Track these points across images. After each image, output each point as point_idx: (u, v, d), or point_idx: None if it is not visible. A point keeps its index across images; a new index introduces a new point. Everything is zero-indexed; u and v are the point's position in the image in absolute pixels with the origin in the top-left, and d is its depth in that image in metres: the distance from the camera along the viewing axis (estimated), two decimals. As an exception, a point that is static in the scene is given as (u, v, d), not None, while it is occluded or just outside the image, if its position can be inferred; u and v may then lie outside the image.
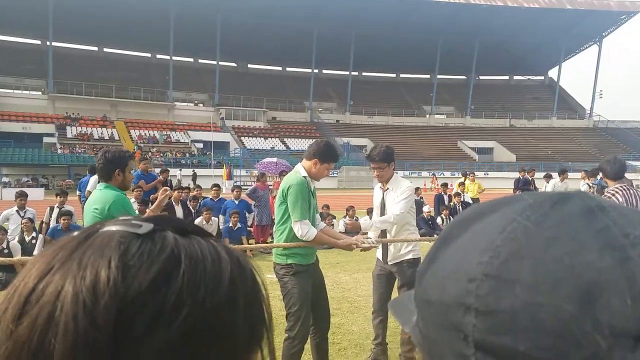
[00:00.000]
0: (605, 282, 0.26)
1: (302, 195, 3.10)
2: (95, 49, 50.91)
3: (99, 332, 0.29)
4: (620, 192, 3.84)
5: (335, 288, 6.09)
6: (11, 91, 41.52)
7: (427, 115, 54.83)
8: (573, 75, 77.62)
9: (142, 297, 0.31)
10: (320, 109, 54.29)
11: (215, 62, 49.13)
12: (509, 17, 47.46)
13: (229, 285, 0.35)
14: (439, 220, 11.19)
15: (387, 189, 3.72)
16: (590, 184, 10.63)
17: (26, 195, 7.92)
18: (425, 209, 11.39)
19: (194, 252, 0.36)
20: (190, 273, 0.34)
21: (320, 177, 3.27)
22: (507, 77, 61.87)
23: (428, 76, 57.96)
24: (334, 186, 36.01)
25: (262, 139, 44.08)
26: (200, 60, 54.30)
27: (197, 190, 10.01)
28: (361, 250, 3.59)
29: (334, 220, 10.20)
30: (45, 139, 35.48)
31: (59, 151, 33.77)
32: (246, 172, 32.64)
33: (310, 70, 52.34)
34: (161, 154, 37.03)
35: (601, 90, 55.33)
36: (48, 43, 42.88)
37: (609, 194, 3.88)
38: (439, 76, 54.86)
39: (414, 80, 60.48)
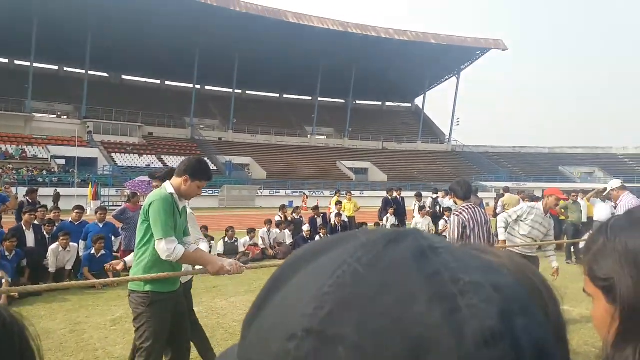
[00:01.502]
0: (433, 340, 0.24)
1: (165, 211, 2.86)
2: None
3: None
4: (467, 210, 4.35)
5: (210, 315, 5.85)
6: None
7: (309, 136, 56.55)
8: (436, 103, 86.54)
9: None
10: (202, 126, 52.76)
11: (83, 72, 45.01)
12: (382, 48, 51.50)
13: None
14: (317, 238, 11.48)
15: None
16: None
17: None
18: (305, 228, 11.63)
19: None
20: None
21: (191, 195, 3.08)
22: (380, 103, 66.73)
23: (310, 98, 59.99)
24: (214, 206, 35.02)
25: (137, 155, 41.32)
26: (66, 69, 49.37)
27: (54, 213, 8.92)
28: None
29: (212, 242, 9.85)
30: None
31: None
32: (116, 192, 30.13)
33: (191, 86, 50.78)
34: (15, 171, 32.54)
35: (458, 118, 62.50)
36: None
37: (457, 212, 4.36)
38: (320, 99, 57.10)
39: (297, 101, 62.15)
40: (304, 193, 27.04)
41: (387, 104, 67.06)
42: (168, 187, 3.03)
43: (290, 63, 51.60)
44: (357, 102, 62.47)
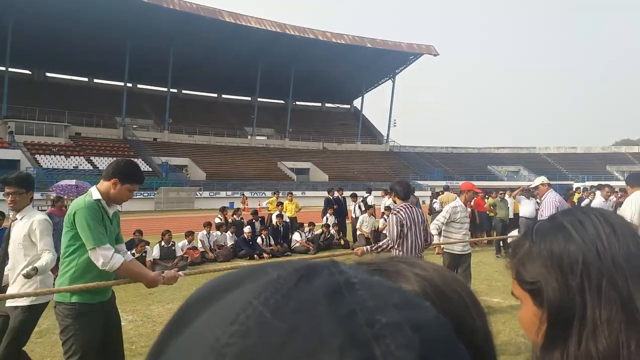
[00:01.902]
0: None
1: (92, 219, 2.69)
2: None
3: None
4: (404, 210, 4.48)
5: (146, 323, 5.60)
6: None
7: (249, 136, 55.89)
8: (373, 105, 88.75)
9: None
10: (135, 126, 50.45)
11: (3, 68, 41.54)
12: (319, 50, 51.98)
13: None
14: (259, 240, 11.36)
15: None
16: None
17: None
18: (246, 229, 11.46)
19: None
20: None
21: (121, 200, 2.89)
22: (319, 104, 67.31)
23: (249, 98, 59.31)
24: (150, 209, 33.65)
25: (63, 157, 38.78)
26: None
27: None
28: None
29: (147, 247, 9.43)
30: None
31: None
32: (41, 196, 28.12)
33: (122, 84, 48.43)
34: None
35: (395, 120, 64.43)
36: None
37: (395, 211, 4.49)
38: (259, 99, 56.60)
39: (236, 101, 61.20)
40: (242, 194, 26.64)
41: (327, 105, 67.81)
42: (94, 192, 2.84)
43: (228, 62, 50.75)
44: (297, 102, 62.61)
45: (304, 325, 0.23)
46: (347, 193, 14.74)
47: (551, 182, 7.38)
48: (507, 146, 67.06)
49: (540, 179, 7.18)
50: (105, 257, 2.68)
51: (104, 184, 2.86)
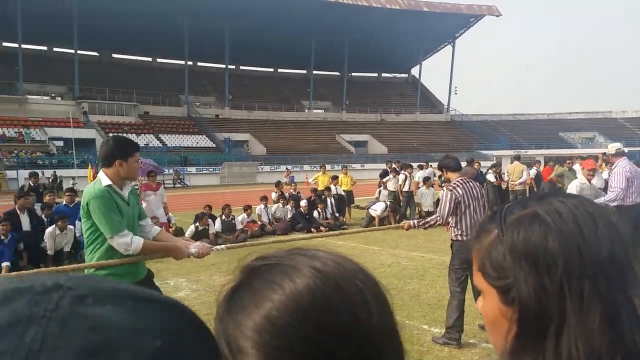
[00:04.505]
0: None
1: (105, 207, 2.69)
2: None
3: None
4: (461, 186, 4.26)
5: (208, 292, 5.91)
6: None
7: (306, 110, 56.12)
8: (432, 73, 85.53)
9: None
10: (198, 104, 52.28)
11: (72, 51, 44.26)
12: (374, 18, 50.50)
13: None
14: (315, 213, 11.51)
15: None
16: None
17: None
18: (302, 203, 11.64)
19: None
20: None
21: (135, 173, 2.91)
22: (376, 75, 65.91)
23: (305, 72, 59.25)
24: (216, 183, 35.08)
25: (134, 135, 41.05)
26: (55, 49, 48.56)
27: (49, 196, 8.91)
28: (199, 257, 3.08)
29: (209, 220, 9.88)
30: None
31: None
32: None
33: (183, 63, 50.05)
34: (13, 154, 32.48)
35: (456, 87, 61.91)
36: None
37: (450, 187, 4.30)
38: (315, 72, 56.38)
39: (292, 75, 61.39)
40: (287, 169, 26.89)
41: (384, 75, 66.24)
42: (103, 179, 2.79)
43: (282, 36, 50.64)
44: (353, 74, 61.71)
45: None
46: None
47: (630, 149, 6.84)
48: (581, 111, 62.46)
49: (614, 146, 6.62)
50: (125, 243, 2.72)
51: (109, 170, 2.80)
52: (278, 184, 13.10)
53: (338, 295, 0.44)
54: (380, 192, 13.19)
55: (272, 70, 61.15)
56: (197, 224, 9.55)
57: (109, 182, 2.77)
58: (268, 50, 53.90)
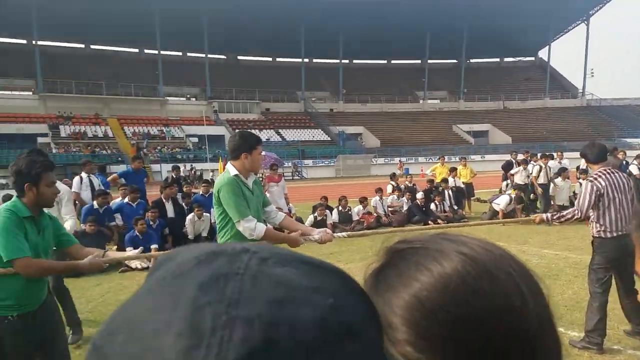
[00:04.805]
0: None
1: (234, 193, 2.95)
2: (82, 46, 50.37)
3: None
4: (604, 176, 3.82)
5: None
6: (1, 92, 41.10)
7: (421, 101, 54.72)
8: (563, 55, 77.35)
9: None
10: (313, 99, 54.06)
11: (204, 55, 48.71)
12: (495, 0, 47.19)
13: None
14: (432, 206, 11.22)
15: None
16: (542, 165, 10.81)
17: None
18: (419, 195, 11.43)
19: None
20: None
21: (258, 165, 3.16)
22: (497, 60, 61.63)
23: (419, 61, 57.70)
24: (331, 175, 36.05)
25: (257, 130, 43.86)
26: (188, 54, 53.84)
27: (186, 187, 9.99)
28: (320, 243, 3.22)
29: (327, 211, 10.21)
30: (39, 139, 35.24)
31: (54, 151, 33.55)
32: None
33: (300, 60, 52.03)
34: (157, 150, 36.97)
35: (592, 69, 55.40)
36: (34, 42, 42.39)
37: (591, 178, 3.89)
38: (430, 61, 54.61)
39: (406, 66, 60.22)
40: (399, 160, 26.48)
41: (506, 59, 61.65)
42: (231, 169, 3.06)
43: (395, 27, 49.77)
44: (471, 60, 58.47)
45: (166, 307, 0.27)
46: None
47: None
48: None
49: None
50: (250, 228, 2.93)
51: (236, 162, 3.05)
52: (393, 176, 13.03)
53: (489, 280, 0.43)
54: (507, 185, 12.37)
55: (385, 62, 60.66)
56: (316, 214, 9.94)
57: (236, 172, 3.03)
58: (381, 43, 53.51)
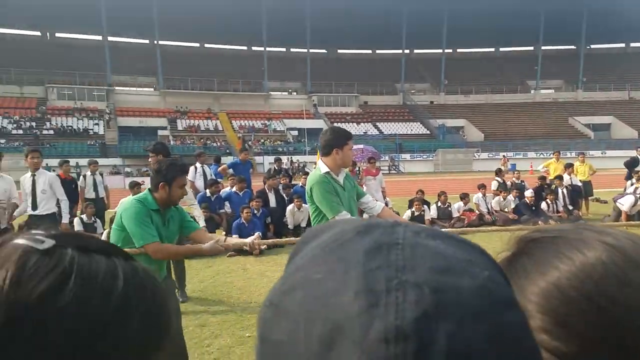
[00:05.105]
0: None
1: (325, 190, 3.04)
2: (197, 45, 54.48)
3: None
4: None
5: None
6: (127, 88, 46.12)
7: (532, 91, 50.79)
8: None
9: (28, 308, 0.35)
10: (412, 91, 52.83)
11: (306, 51, 49.99)
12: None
13: (119, 302, 0.38)
14: (543, 205, 10.38)
15: None
16: None
17: (139, 185, 8.71)
18: (528, 193, 10.65)
19: (87, 270, 0.38)
20: (78, 289, 0.37)
21: (349, 160, 3.19)
22: (623, 45, 54.91)
23: (531, 48, 53.52)
24: (429, 170, 35.05)
25: (355, 124, 44.17)
26: (292, 50, 55.60)
27: (285, 179, 10.34)
28: None
29: (424, 206, 9.92)
30: (160, 132, 38.98)
31: (172, 142, 36.84)
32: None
33: (400, 51, 51.04)
34: (260, 142, 38.94)
35: None
36: (155, 42, 46.80)
37: None
38: (543, 47, 50.34)
39: (516, 53, 56.22)
40: (504, 155, 24.75)
41: (633, 44, 54.64)
42: (322, 166, 3.12)
43: (505, 10, 46.52)
44: (592, 46, 52.77)
45: (338, 270, 0.29)
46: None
47: None
48: None
49: None
50: None
51: (327, 159, 3.11)
52: (499, 172, 12.26)
53: (635, 271, 0.42)
54: (632, 184, 11.04)
55: (492, 50, 57.19)
56: (413, 208, 9.71)
57: (326, 169, 3.10)
58: (489, 29, 50.45)
